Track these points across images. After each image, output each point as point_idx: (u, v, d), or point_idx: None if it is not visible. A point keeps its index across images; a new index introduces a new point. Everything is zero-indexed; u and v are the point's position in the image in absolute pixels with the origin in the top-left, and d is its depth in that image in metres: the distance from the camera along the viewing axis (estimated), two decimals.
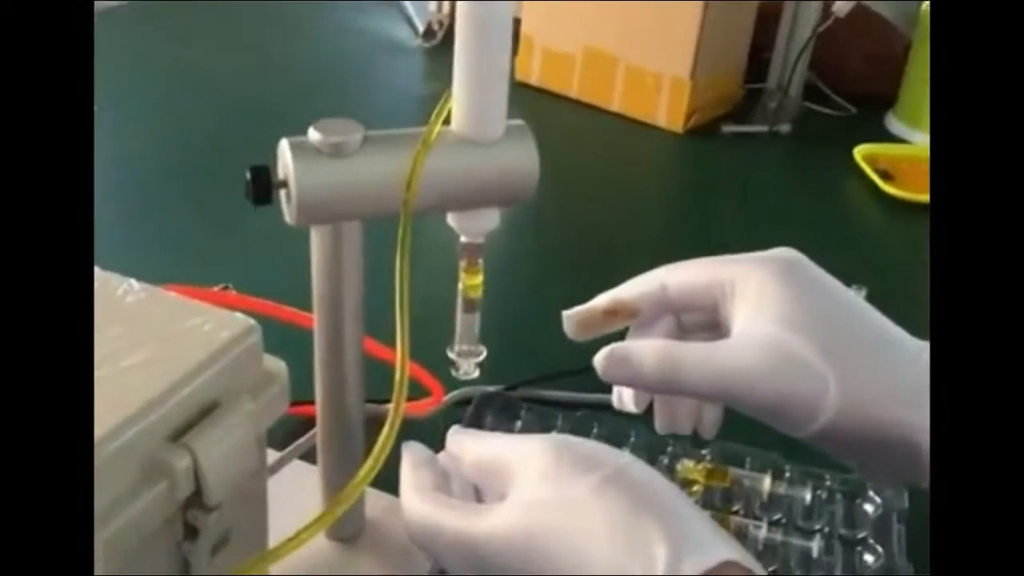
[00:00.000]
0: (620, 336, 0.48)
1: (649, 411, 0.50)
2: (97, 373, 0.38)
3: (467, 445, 0.45)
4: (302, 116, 0.50)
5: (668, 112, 1.32)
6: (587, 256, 1.02)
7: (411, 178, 0.49)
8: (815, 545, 0.61)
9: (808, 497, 0.65)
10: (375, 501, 0.60)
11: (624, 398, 0.49)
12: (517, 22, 1.39)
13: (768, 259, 0.45)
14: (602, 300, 0.48)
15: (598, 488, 0.38)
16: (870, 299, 0.45)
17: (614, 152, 1.31)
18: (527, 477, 0.40)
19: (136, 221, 1.02)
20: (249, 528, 0.47)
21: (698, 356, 0.43)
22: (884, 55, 1.42)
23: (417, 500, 0.43)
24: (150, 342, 0.42)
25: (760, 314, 0.43)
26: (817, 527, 0.63)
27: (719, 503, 0.65)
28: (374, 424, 0.57)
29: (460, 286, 0.54)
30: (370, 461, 0.43)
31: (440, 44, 1.51)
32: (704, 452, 0.68)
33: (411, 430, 0.49)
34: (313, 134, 0.48)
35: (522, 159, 0.51)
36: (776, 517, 0.64)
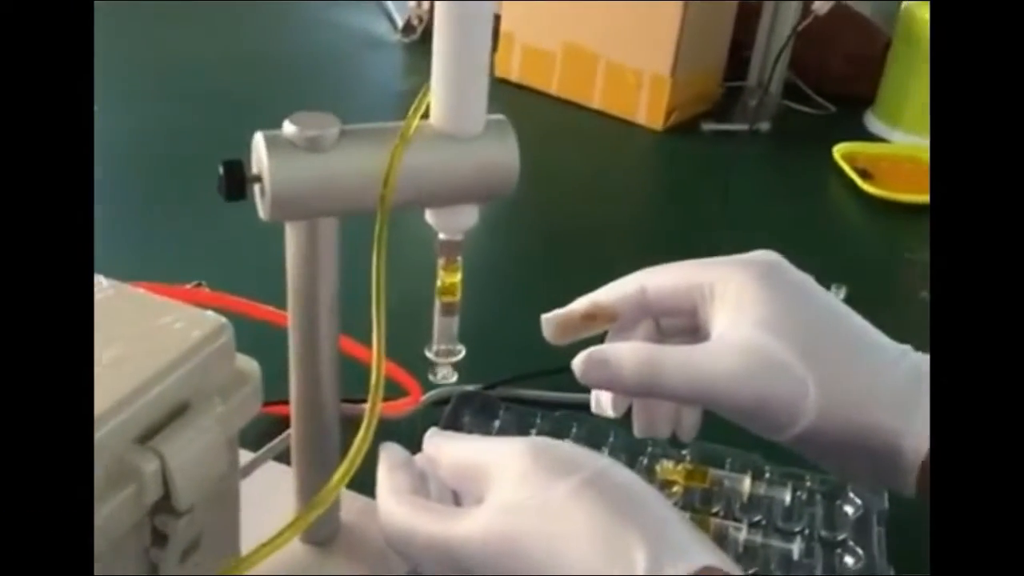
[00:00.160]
0: (599, 339, 0.47)
1: (628, 414, 0.49)
2: None
3: (444, 448, 0.44)
4: (279, 110, 0.49)
5: (648, 109, 1.31)
6: (566, 254, 1.02)
7: (389, 173, 0.48)
8: (795, 547, 0.61)
9: (788, 498, 0.65)
10: (351, 503, 0.59)
11: (602, 402, 0.49)
12: (497, 18, 1.38)
13: (748, 262, 0.45)
14: (581, 304, 0.48)
15: (577, 491, 0.38)
16: (849, 298, 0.44)
17: (594, 149, 1.30)
18: (504, 480, 0.40)
19: (105, 216, 0.99)
20: (221, 532, 0.46)
21: (677, 359, 0.43)
22: (864, 54, 1.42)
23: (393, 503, 0.42)
24: (118, 341, 0.41)
25: (740, 317, 0.43)
26: (797, 529, 0.63)
27: (699, 504, 0.65)
28: (350, 424, 0.56)
29: (438, 284, 0.53)
30: (345, 464, 0.42)
31: (420, 39, 1.50)
32: (684, 453, 0.68)
33: (388, 430, 0.49)
34: (288, 128, 0.47)
35: (502, 154, 0.50)
36: (756, 519, 0.63)
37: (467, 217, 0.51)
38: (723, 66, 1.40)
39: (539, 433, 0.69)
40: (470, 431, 0.69)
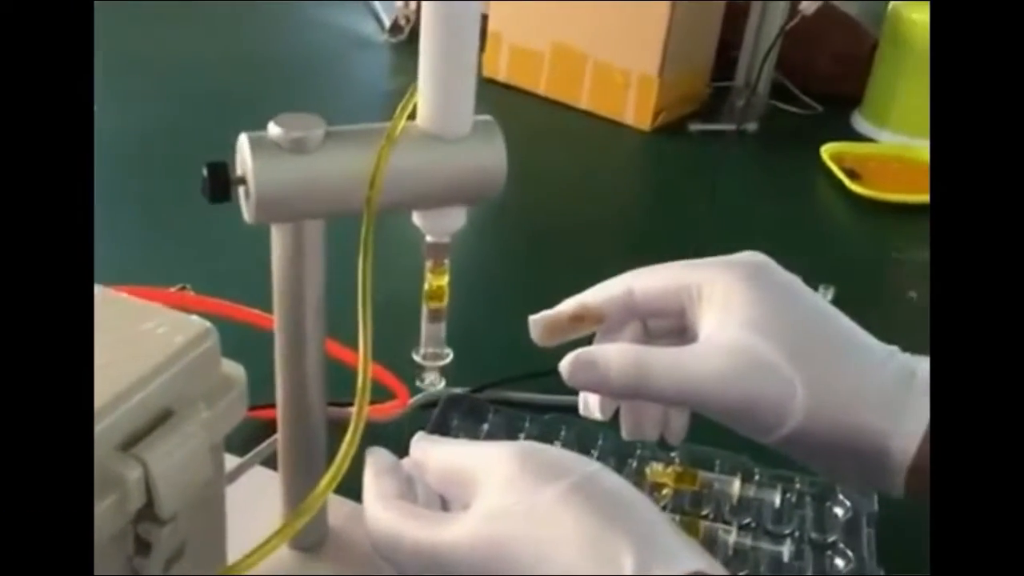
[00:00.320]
0: (587, 341, 0.47)
1: (617, 416, 0.49)
2: None
3: (431, 452, 0.44)
4: (265, 111, 0.49)
5: (636, 110, 1.31)
6: (553, 255, 1.02)
7: (375, 175, 0.47)
8: (785, 550, 0.61)
9: (777, 500, 0.65)
10: (338, 509, 0.59)
11: (590, 405, 0.49)
12: (484, 18, 1.37)
13: (735, 263, 0.45)
14: (568, 305, 0.48)
15: (565, 496, 0.38)
16: (837, 299, 0.44)
17: (582, 150, 1.30)
18: (492, 485, 0.40)
19: None
20: (206, 540, 0.46)
21: (665, 361, 0.43)
22: (850, 54, 1.43)
23: (380, 508, 0.42)
24: (100, 346, 0.40)
25: (727, 319, 0.43)
26: (787, 531, 0.63)
27: (688, 507, 0.64)
28: (336, 428, 0.55)
29: (426, 287, 0.53)
30: (332, 470, 0.41)
31: (407, 39, 1.49)
32: (673, 455, 0.67)
33: (376, 434, 0.48)
34: (273, 129, 0.47)
35: (489, 156, 0.50)
36: (746, 521, 0.63)
37: (454, 219, 0.51)
38: (711, 66, 1.40)
39: (528, 436, 0.69)
40: (458, 434, 0.69)
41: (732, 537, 0.62)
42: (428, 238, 0.52)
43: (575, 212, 1.13)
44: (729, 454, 0.67)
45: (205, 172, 0.47)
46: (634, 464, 0.67)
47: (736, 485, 0.65)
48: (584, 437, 0.68)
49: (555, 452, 0.41)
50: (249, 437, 0.63)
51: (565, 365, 0.44)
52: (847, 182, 1.18)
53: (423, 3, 0.46)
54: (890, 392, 0.41)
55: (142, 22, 1.50)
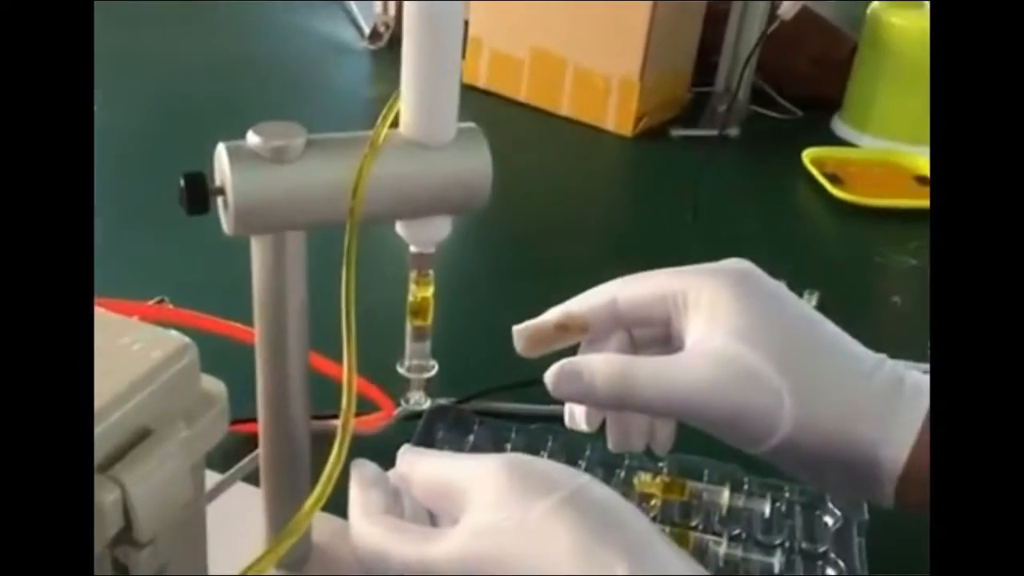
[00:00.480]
0: (571, 352, 0.46)
1: (603, 427, 0.48)
2: None
3: (417, 466, 0.43)
4: (243, 118, 0.48)
5: (617, 115, 1.31)
6: (537, 263, 1.01)
7: (357, 184, 0.46)
8: (776, 560, 0.60)
9: (767, 510, 0.64)
10: (323, 525, 0.57)
11: (576, 416, 0.48)
12: (465, 24, 1.37)
13: (721, 271, 0.44)
14: (553, 315, 0.47)
15: (556, 510, 0.37)
16: (822, 304, 0.44)
17: (564, 157, 1.29)
18: (480, 500, 0.39)
19: None
20: (186, 561, 0.44)
21: (650, 371, 0.42)
22: (829, 58, 1.43)
23: (366, 523, 0.41)
24: None
25: (713, 327, 0.42)
26: (777, 541, 0.62)
27: (677, 517, 0.64)
28: (319, 440, 0.54)
29: (410, 299, 0.52)
30: (318, 490, 0.40)
31: (386, 46, 1.48)
32: (661, 465, 0.67)
33: (360, 447, 0.47)
34: (252, 138, 0.45)
35: (474, 164, 0.49)
36: (736, 531, 0.62)
37: (439, 229, 0.50)
38: (691, 71, 1.40)
39: (514, 447, 0.68)
40: (444, 446, 0.68)
41: (723, 548, 0.61)
42: (412, 248, 0.51)
43: (558, 219, 1.13)
44: (717, 463, 0.66)
45: (182, 183, 0.45)
46: (622, 474, 0.66)
47: (725, 495, 0.65)
48: (571, 447, 0.67)
49: (543, 465, 0.40)
50: (230, 452, 0.62)
51: (550, 376, 0.44)
52: (829, 187, 1.17)
53: (405, 7, 0.45)
54: (879, 401, 0.41)
55: (116, 26, 1.48)
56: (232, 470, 0.60)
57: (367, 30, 1.52)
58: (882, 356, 0.43)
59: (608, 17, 1.27)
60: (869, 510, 0.63)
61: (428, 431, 0.68)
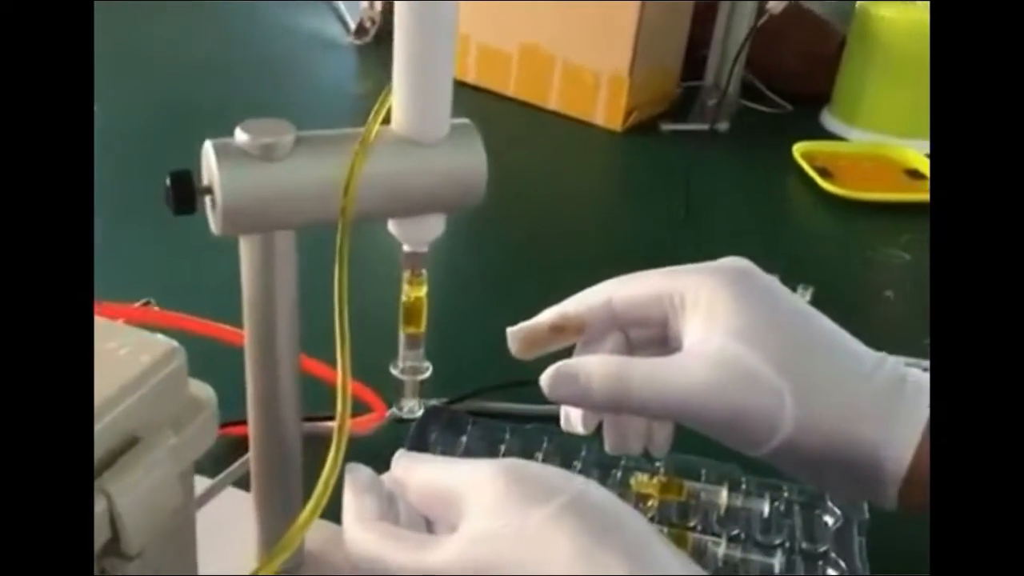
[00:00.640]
0: (567, 352, 0.46)
1: (600, 429, 0.47)
2: None
3: (413, 471, 0.42)
4: (229, 116, 0.46)
5: (607, 110, 1.30)
6: (527, 259, 1.00)
7: (349, 182, 0.45)
8: (776, 561, 0.59)
9: (766, 510, 0.63)
10: (316, 531, 0.55)
11: (572, 419, 0.47)
12: None
13: (718, 269, 0.43)
14: (548, 316, 0.46)
15: (556, 517, 0.36)
16: (815, 299, 0.43)
17: (554, 152, 1.28)
18: (478, 506, 0.38)
19: None
20: (176, 570, 0.43)
21: (647, 372, 0.41)
22: (817, 52, 1.42)
23: (360, 530, 0.40)
24: None
25: (712, 327, 0.42)
26: (777, 541, 0.61)
27: (675, 518, 0.63)
28: (311, 443, 0.53)
29: (403, 298, 0.50)
30: (312, 502, 0.39)
31: (373, 42, 1.47)
32: (658, 465, 0.66)
33: (352, 448, 0.46)
34: (240, 135, 0.44)
35: (469, 160, 0.48)
36: (734, 532, 0.62)
37: (432, 228, 0.49)
38: (680, 65, 1.39)
39: (508, 448, 0.67)
40: (437, 447, 0.67)
41: (722, 549, 0.60)
42: (405, 247, 0.50)
43: (548, 215, 1.12)
44: (714, 463, 0.65)
45: (168, 182, 0.44)
46: (618, 475, 0.65)
47: (723, 495, 0.64)
48: (566, 448, 0.66)
49: (542, 470, 0.39)
50: (219, 456, 0.61)
51: (546, 379, 0.43)
52: (820, 181, 1.17)
53: (396, 1, 0.44)
54: (881, 401, 0.40)
55: (96, 24, 1.46)
56: (222, 475, 0.59)
57: (353, 25, 1.50)
58: (883, 354, 0.42)
59: (597, 12, 1.26)
60: (869, 509, 0.63)
61: (421, 432, 0.67)
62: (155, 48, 1.42)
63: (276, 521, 0.54)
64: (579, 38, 1.29)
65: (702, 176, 1.13)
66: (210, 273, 0.61)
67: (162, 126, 1.16)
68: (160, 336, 0.41)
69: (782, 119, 1.38)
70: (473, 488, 0.39)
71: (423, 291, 0.50)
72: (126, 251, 0.92)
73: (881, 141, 1.31)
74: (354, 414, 0.66)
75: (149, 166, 0.50)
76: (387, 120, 0.47)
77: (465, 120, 0.48)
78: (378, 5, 1.47)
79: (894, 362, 0.42)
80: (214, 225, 0.45)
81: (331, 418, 0.66)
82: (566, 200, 1.17)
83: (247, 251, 0.48)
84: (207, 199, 0.45)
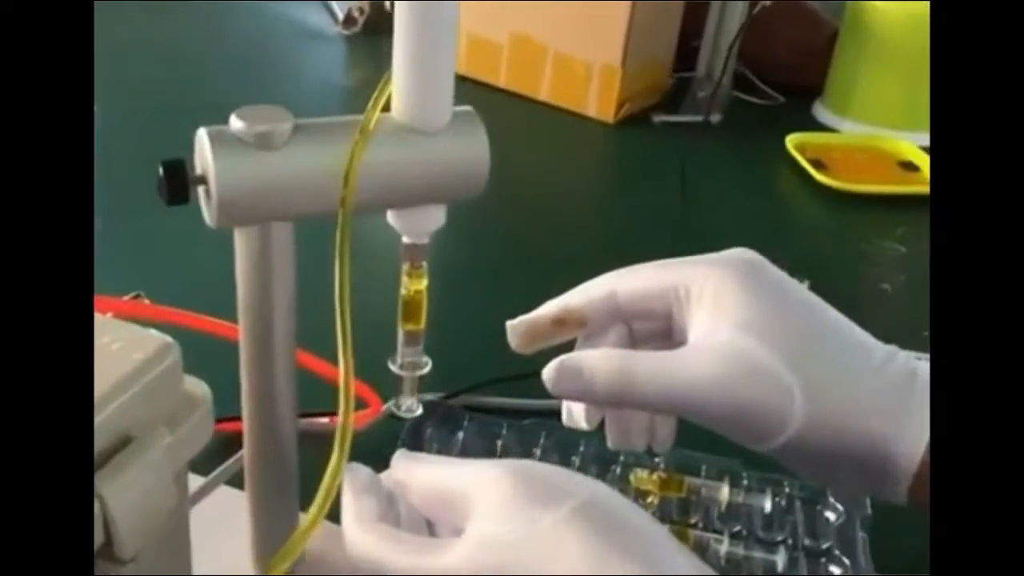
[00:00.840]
0: (566, 347, 0.45)
1: (602, 424, 0.47)
2: None
3: (415, 472, 0.41)
4: (217, 106, 0.45)
5: (599, 101, 1.28)
6: (520, 251, 0.99)
7: (349, 172, 0.43)
8: (779, 558, 0.59)
9: (768, 506, 0.62)
10: (314, 532, 0.55)
11: (575, 414, 0.46)
12: None
13: (725, 261, 0.42)
14: (549, 308, 0.45)
15: (567, 522, 0.35)
16: (812, 291, 0.43)
17: (546, 143, 1.27)
18: (485, 510, 0.37)
19: None
20: (170, 571, 0.42)
21: (653, 366, 0.40)
22: (808, 43, 1.42)
23: (360, 531, 0.39)
24: None
25: (718, 320, 0.41)
26: (779, 538, 0.60)
27: (676, 515, 0.62)
28: (306, 439, 0.52)
29: (402, 291, 0.49)
30: (313, 510, 0.39)
31: (361, 32, 1.45)
32: (657, 460, 0.65)
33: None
34: (235, 123, 0.43)
35: (471, 149, 0.46)
36: (736, 528, 0.61)
37: (434, 219, 0.47)
38: (672, 56, 1.38)
39: (505, 443, 0.66)
40: (433, 443, 0.66)
41: (724, 547, 0.59)
42: (405, 239, 0.48)
43: (541, 206, 1.11)
44: (715, 458, 0.64)
45: (160, 171, 0.43)
46: (617, 471, 0.64)
47: (724, 491, 0.63)
48: (564, 443, 0.65)
49: (549, 472, 0.38)
50: (213, 453, 0.59)
51: (549, 373, 0.42)
52: (814, 173, 1.16)
53: None
54: (892, 395, 0.39)
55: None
56: (215, 472, 0.58)
57: (341, 16, 1.48)
58: (893, 348, 0.42)
59: (589, 3, 1.25)
60: (872, 505, 0.62)
61: (417, 428, 0.66)
62: (138, 38, 1.40)
63: (271, 520, 0.53)
64: (571, 29, 1.28)
65: (697, 168, 1.12)
66: (204, 266, 0.60)
67: (147, 115, 1.14)
68: (153, 331, 0.40)
69: (774, 111, 1.38)
70: (479, 490, 0.38)
71: (423, 284, 0.49)
72: (116, 243, 0.90)
73: (874, 133, 1.30)
74: None
75: (141, 157, 0.49)
76: (387, 108, 0.45)
77: (468, 108, 0.47)
78: None
79: (905, 356, 0.41)
80: (208, 217, 0.44)
81: (327, 414, 0.65)
82: (558, 192, 1.16)
83: (243, 243, 0.46)
84: (201, 189, 0.43)
